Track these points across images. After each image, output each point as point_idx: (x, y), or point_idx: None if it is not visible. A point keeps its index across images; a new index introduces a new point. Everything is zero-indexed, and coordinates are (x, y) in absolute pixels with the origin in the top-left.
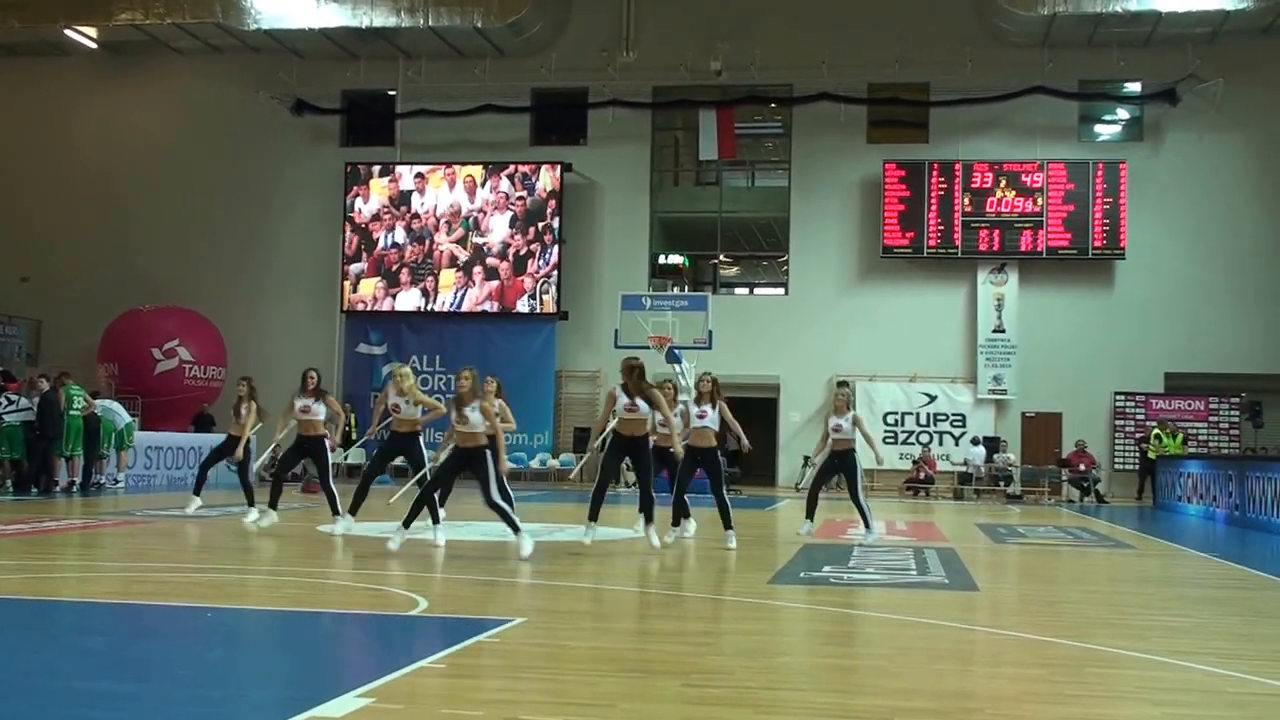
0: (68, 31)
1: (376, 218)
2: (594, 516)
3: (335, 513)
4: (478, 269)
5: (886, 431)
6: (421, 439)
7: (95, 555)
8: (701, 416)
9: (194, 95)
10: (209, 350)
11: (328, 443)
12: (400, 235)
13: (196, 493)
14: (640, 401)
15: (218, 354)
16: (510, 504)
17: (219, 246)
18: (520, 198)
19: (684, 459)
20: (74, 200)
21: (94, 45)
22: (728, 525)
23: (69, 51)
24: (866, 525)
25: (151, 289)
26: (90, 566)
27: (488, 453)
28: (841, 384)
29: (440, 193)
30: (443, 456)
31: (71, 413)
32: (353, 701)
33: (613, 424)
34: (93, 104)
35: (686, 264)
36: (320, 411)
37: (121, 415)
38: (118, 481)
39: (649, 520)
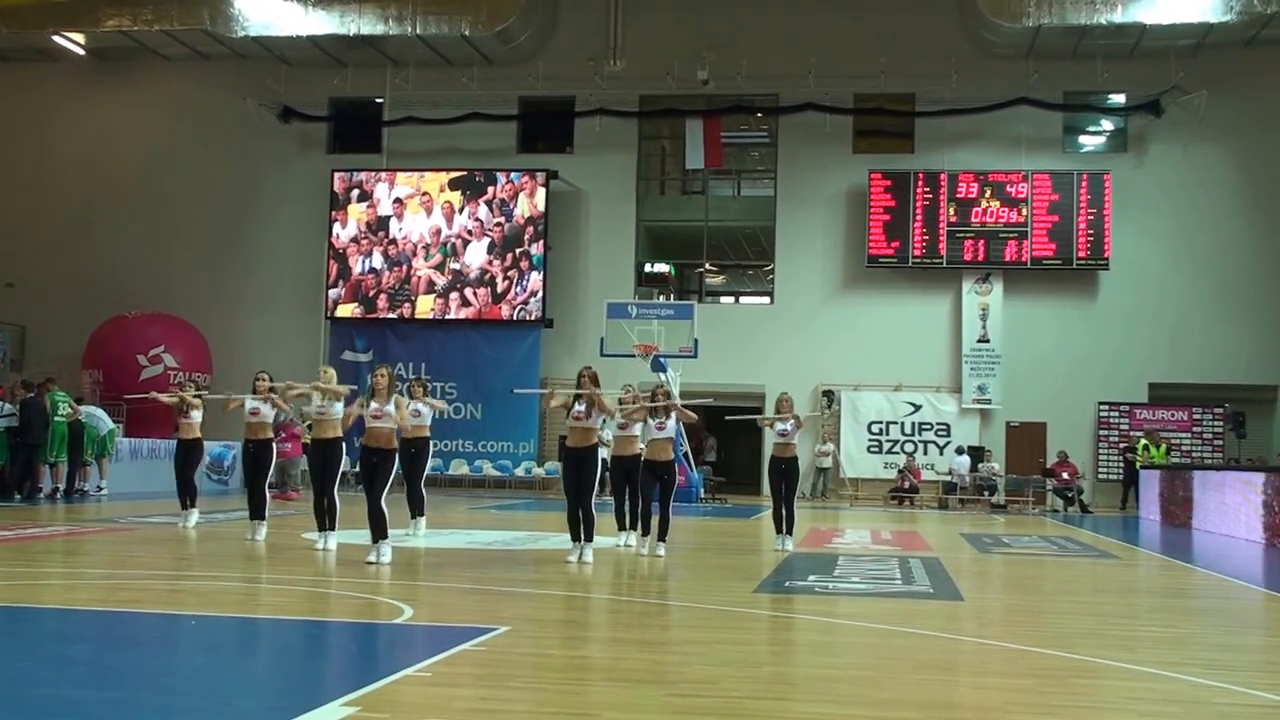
0: (56, 38)
1: (354, 241)
2: (589, 538)
3: (261, 518)
4: (455, 295)
5: (871, 441)
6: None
7: (79, 562)
8: (660, 428)
9: (181, 102)
10: (194, 356)
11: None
12: (378, 260)
13: (190, 505)
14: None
15: (203, 360)
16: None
17: (205, 253)
18: (498, 224)
19: (644, 472)
20: (60, 206)
21: (82, 51)
22: (662, 537)
23: (57, 58)
24: (789, 532)
25: (137, 295)
26: (74, 574)
27: (396, 455)
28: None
29: (418, 218)
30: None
31: (56, 419)
32: (338, 710)
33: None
34: (80, 110)
35: (672, 272)
36: (269, 415)
37: (105, 422)
38: (101, 488)
39: (588, 539)
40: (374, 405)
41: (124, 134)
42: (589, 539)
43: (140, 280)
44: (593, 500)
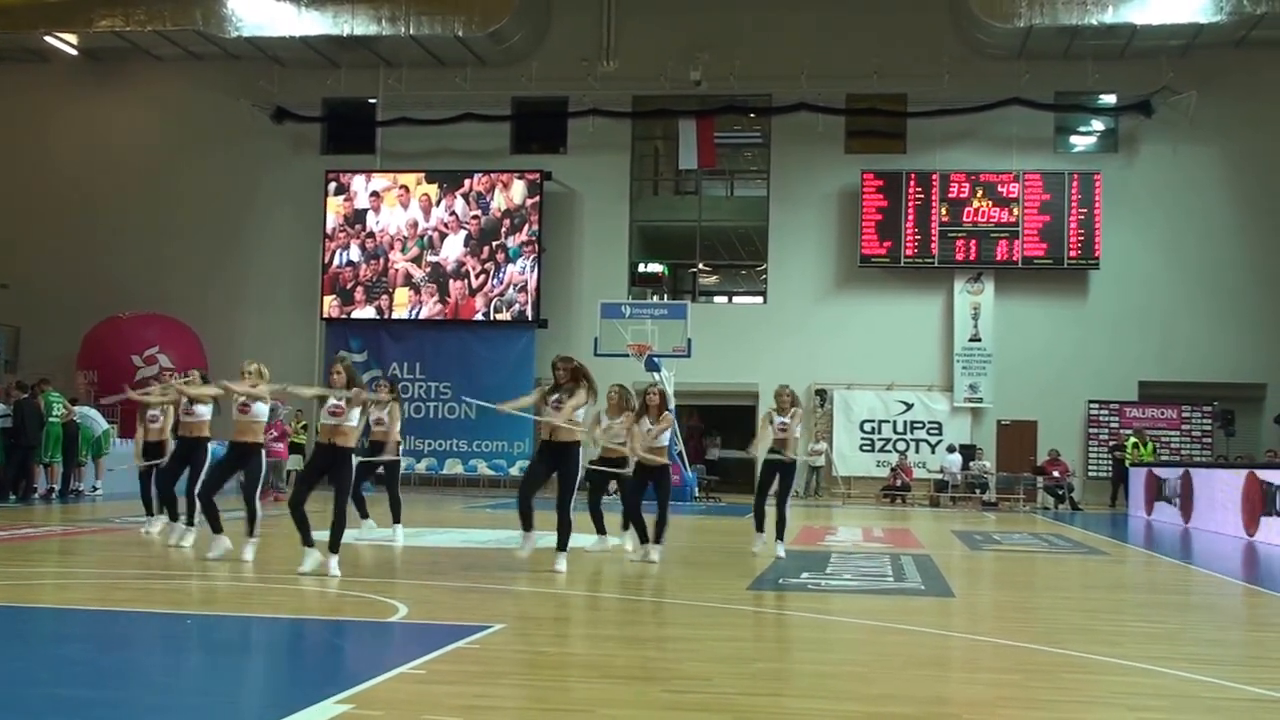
0: (48, 38)
1: (330, 236)
2: (528, 526)
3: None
4: (431, 287)
5: (863, 439)
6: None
7: (74, 562)
8: (650, 433)
9: (174, 102)
10: (189, 357)
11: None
12: (355, 253)
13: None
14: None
15: (198, 361)
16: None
17: (199, 253)
18: (475, 217)
19: (634, 477)
20: (53, 207)
21: (74, 52)
22: (658, 540)
23: (49, 58)
24: (780, 537)
25: (131, 296)
26: (69, 573)
27: (353, 455)
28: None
29: (395, 211)
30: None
31: (51, 420)
32: (332, 708)
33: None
34: (73, 111)
35: (666, 272)
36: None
37: (99, 422)
38: (96, 489)
39: (561, 547)
40: (331, 402)
41: (117, 135)
42: (562, 546)
43: (135, 281)
44: (571, 503)
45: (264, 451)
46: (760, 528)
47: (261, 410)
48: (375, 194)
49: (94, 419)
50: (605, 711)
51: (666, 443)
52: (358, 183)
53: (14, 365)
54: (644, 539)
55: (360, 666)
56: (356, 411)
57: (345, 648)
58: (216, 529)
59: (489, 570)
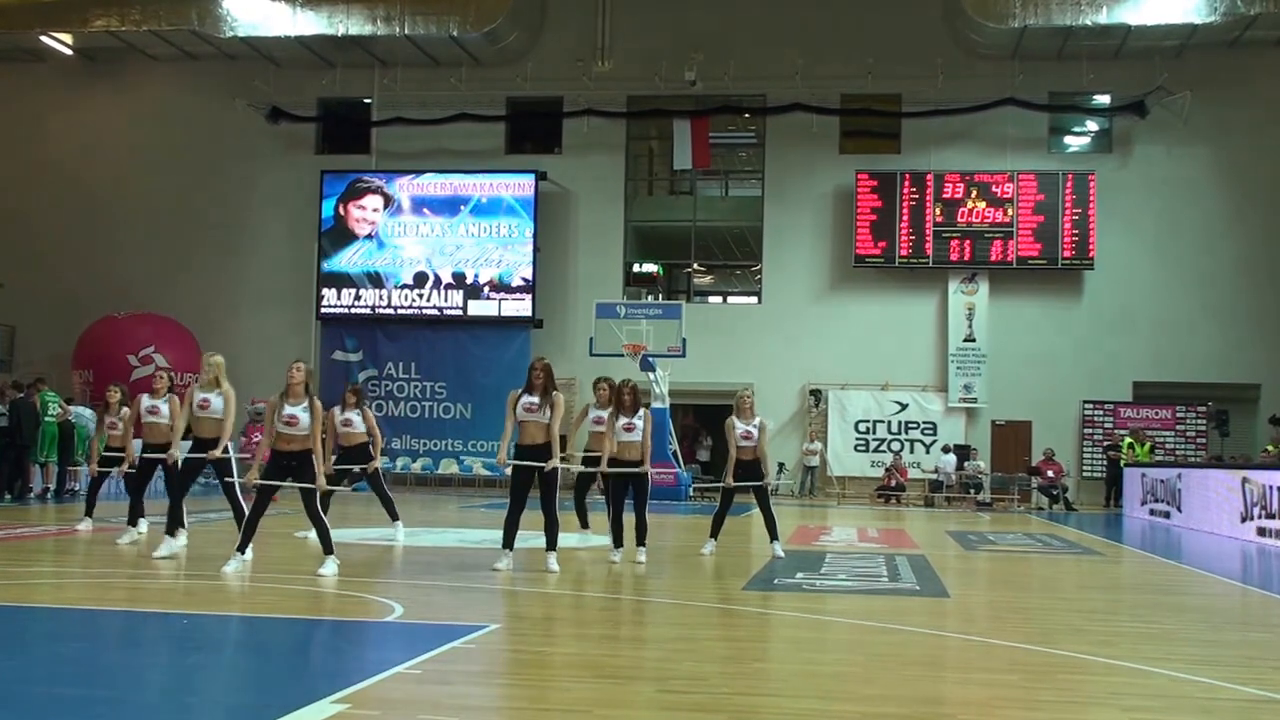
0: (43, 38)
1: (325, 237)
2: (509, 544)
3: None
4: (430, 291)
5: (858, 439)
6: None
7: (69, 561)
8: (629, 429)
9: (170, 102)
10: (184, 357)
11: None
12: (350, 255)
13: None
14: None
15: (193, 360)
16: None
17: (194, 253)
18: (474, 222)
19: (613, 478)
20: (49, 206)
21: (70, 52)
22: (641, 543)
23: (45, 58)
24: (775, 537)
25: (127, 295)
26: (64, 572)
27: (314, 457)
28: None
29: (392, 214)
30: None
31: (47, 419)
32: (328, 708)
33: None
34: (68, 110)
35: (661, 273)
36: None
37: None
38: None
39: (551, 546)
40: (287, 408)
41: (113, 134)
42: (552, 545)
43: (130, 280)
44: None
45: (229, 447)
46: (714, 534)
47: (218, 406)
48: (370, 196)
49: (89, 419)
50: (600, 711)
51: (638, 438)
52: (353, 186)
53: (10, 364)
54: (618, 543)
55: (356, 666)
56: (310, 422)
57: (341, 647)
58: (174, 528)
59: (484, 570)
